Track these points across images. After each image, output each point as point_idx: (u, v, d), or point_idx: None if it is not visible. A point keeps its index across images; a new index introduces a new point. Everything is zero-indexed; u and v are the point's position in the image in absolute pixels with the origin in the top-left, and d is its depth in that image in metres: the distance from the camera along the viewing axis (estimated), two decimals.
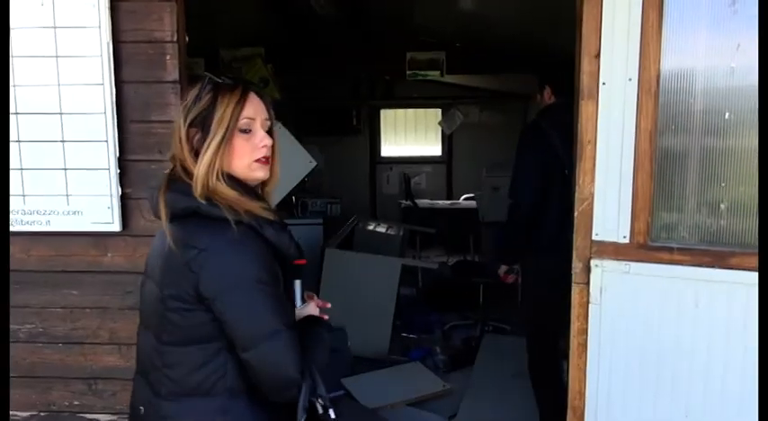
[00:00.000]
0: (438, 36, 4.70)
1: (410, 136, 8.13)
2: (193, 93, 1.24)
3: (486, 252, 6.07)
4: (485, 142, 7.90)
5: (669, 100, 1.57)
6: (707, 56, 1.54)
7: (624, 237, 1.64)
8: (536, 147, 2.63)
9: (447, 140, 7.94)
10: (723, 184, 1.54)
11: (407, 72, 4.79)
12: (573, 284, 1.68)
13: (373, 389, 3.46)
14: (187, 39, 1.88)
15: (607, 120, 1.61)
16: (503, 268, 2.95)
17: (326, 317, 1.42)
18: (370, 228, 5.00)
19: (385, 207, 7.99)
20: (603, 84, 1.61)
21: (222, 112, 1.20)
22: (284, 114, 8.10)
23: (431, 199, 7.40)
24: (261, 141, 1.27)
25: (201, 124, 1.22)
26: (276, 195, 4.26)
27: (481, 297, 4.55)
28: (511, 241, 2.87)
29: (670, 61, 1.54)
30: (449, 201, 7.08)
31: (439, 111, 7.89)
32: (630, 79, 1.58)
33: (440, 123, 7.72)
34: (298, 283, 1.38)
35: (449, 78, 7.10)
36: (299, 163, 4.39)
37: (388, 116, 8.03)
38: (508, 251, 2.95)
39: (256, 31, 5.25)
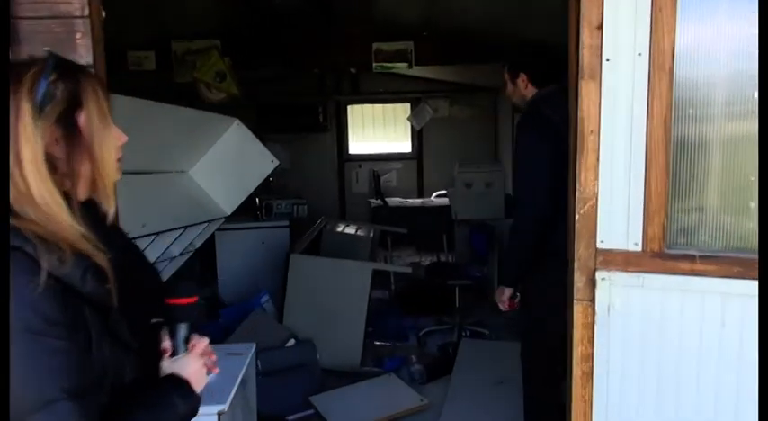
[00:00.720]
0: (404, 26, 4.43)
1: (379, 132, 7.84)
2: None
3: (461, 252, 5.83)
4: (456, 137, 7.67)
5: (686, 78, 1.30)
6: (732, 23, 1.28)
7: (635, 244, 1.37)
8: (542, 137, 2.20)
9: (417, 136, 7.67)
10: (752, 178, 1.28)
11: (374, 64, 4.49)
12: (574, 302, 1.40)
13: (344, 407, 3.18)
14: (104, 14, 1.53)
15: (612, 104, 1.34)
16: (506, 292, 2.37)
17: (212, 371, 1.10)
18: (339, 229, 4.70)
19: (354, 206, 7.68)
20: (607, 60, 1.33)
21: None
22: (244, 111, 7.76)
23: (402, 197, 7.12)
24: None
25: None
26: (238, 197, 3.92)
27: (457, 300, 4.29)
28: (522, 256, 2.29)
29: (687, 31, 1.28)
30: (420, 200, 6.82)
31: (408, 105, 7.62)
32: (640, 54, 1.31)
33: (409, 118, 7.46)
34: (182, 328, 1.06)
35: (417, 71, 6.84)
36: (261, 162, 4.07)
37: (355, 112, 7.73)
38: (520, 268, 2.33)
39: (212, 21, 4.89)
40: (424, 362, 3.79)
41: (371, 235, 4.75)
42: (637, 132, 1.33)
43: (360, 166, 7.71)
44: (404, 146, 7.76)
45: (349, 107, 7.66)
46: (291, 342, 3.55)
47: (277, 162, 4.02)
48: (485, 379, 3.48)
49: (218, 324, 4.06)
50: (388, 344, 4.22)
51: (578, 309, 1.40)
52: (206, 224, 3.83)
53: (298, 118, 7.41)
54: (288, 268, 3.63)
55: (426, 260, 7.20)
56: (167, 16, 4.34)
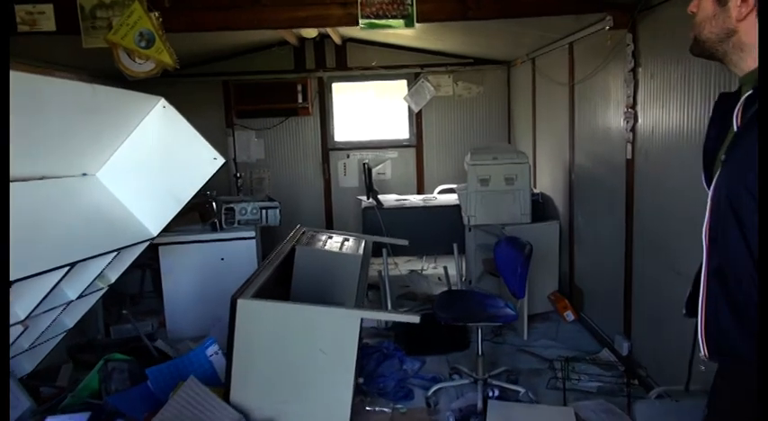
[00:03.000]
0: None
1: (370, 115, 6.59)
2: None
3: (477, 265, 4.64)
4: (462, 120, 6.46)
5: None
6: None
7: None
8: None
9: (415, 119, 6.44)
10: None
11: (360, 20, 3.25)
12: None
13: None
14: None
15: None
16: None
17: None
18: (319, 244, 3.49)
19: (343, 204, 6.48)
20: None
21: None
22: (207, 91, 6.51)
23: (399, 194, 5.91)
24: None
25: None
26: (168, 210, 2.69)
27: (480, 345, 3.10)
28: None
29: None
30: (421, 197, 5.60)
31: (404, 82, 6.39)
32: None
33: (405, 98, 6.22)
34: None
35: (415, 40, 5.61)
36: (199, 160, 2.85)
37: (341, 91, 6.48)
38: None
39: None
40: None
41: (361, 251, 3.55)
42: None
43: (348, 156, 6.49)
44: (400, 131, 6.53)
45: (334, 85, 6.42)
46: None
47: (221, 160, 2.80)
48: None
49: (145, 390, 2.86)
50: (386, 410, 3.05)
51: None
52: (115, 253, 2.61)
53: (272, 99, 6.16)
54: (234, 318, 2.43)
55: (429, 266, 6.02)
56: None
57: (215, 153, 2.76)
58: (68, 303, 2.67)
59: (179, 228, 4.28)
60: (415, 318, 2.45)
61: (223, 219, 4.32)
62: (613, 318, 3.63)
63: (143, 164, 2.79)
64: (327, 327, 2.49)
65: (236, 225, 4.36)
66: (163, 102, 2.75)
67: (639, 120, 3.21)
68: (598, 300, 4.02)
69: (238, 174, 5.29)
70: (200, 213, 4.48)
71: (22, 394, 2.87)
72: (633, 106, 3.26)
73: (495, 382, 3.11)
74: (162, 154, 2.80)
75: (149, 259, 4.46)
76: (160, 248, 4.17)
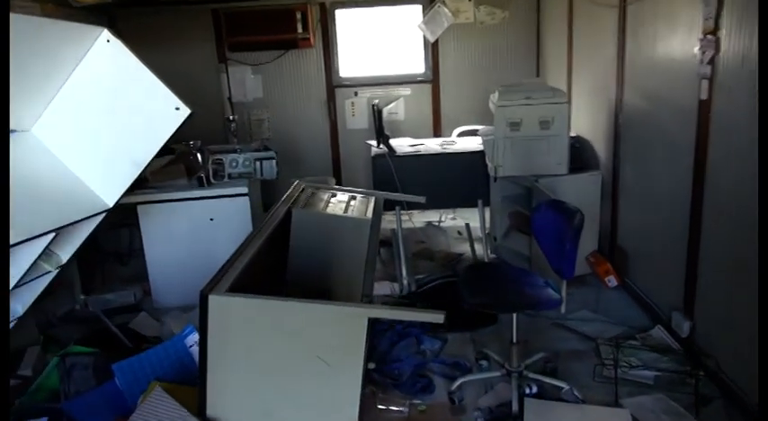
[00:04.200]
0: None
1: (379, 47, 5.83)
2: None
3: (503, 220, 4.06)
4: (484, 52, 5.68)
5: None
6: None
7: None
8: None
9: (431, 51, 5.68)
10: None
11: None
12: None
13: None
14: None
15: None
16: None
17: None
18: (320, 206, 2.91)
19: (350, 149, 5.85)
20: None
21: None
22: (195, 20, 5.74)
23: (413, 137, 5.26)
24: None
25: None
26: (125, 174, 2.09)
27: (514, 333, 2.56)
28: None
29: None
30: (439, 141, 4.94)
31: (419, 8, 5.58)
32: None
33: (420, 26, 5.44)
34: None
35: None
36: (159, 107, 2.22)
37: (346, 19, 5.69)
38: None
39: None
40: None
41: (370, 213, 2.97)
42: None
43: (355, 94, 5.79)
44: (414, 65, 5.78)
45: (338, 12, 5.64)
46: None
47: (185, 111, 2.17)
48: None
49: (112, 389, 2.38)
50: (403, 410, 2.55)
51: None
52: (53, 233, 2.05)
53: (269, 29, 5.41)
54: (206, 318, 1.89)
55: (447, 218, 5.45)
56: None
57: (177, 101, 2.13)
58: None
59: (160, 184, 3.72)
60: (439, 317, 1.89)
61: (210, 173, 3.74)
62: (669, 290, 3.06)
63: (87, 117, 2.17)
64: (326, 329, 1.94)
65: (226, 179, 3.78)
66: (106, 34, 2.11)
67: (722, 50, 2.51)
68: (648, 264, 3.44)
69: (231, 117, 4.64)
70: (185, 166, 3.89)
71: None
72: (714, 31, 2.54)
73: (531, 376, 2.59)
74: (111, 104, 2.18)
75: (130, 219, 3.92)
76: (139, 208, 3.63)
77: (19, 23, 1.90)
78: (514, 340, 2.57)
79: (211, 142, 4.42)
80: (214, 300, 1.89)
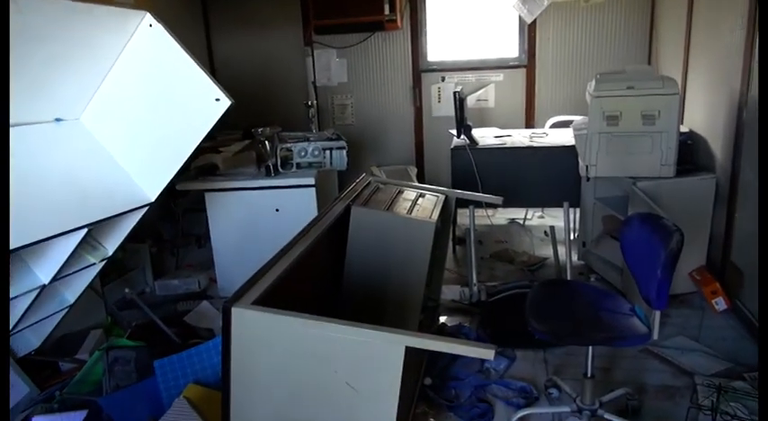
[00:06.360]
0: None
1: (470, 30, 5.44)
2: None
3: (596, 224, 3.62)
4: (588, 35, 5.14)
5: None
6: None
7: None
8: None
9: (527, 33, 5.23)
10: None
11: None
12: None
13: None
14: None
15: None
16: None
17: None
18: (381, 205, 2.68)
19: (436, 137, 5.54)
20: None
21: None
22: (269, 5, 5.63)
23: (502, 127, 4.87)
24: None
25: None
26: (168, 168, 1.98)
27: (589, 365, 2.20)
28: None
29: None
30: (528, 133, 4.52)
31: None
32: None
33: (516, 6, 5.00)
34: None
35: None
36: (203, 100, 2.07)
37: (436, 0, 5.36)
38: None
39: None
40: None
41: (436, 214, 2.68)
42: None
43: (443, 79, 5.46)
44: (507, 49, 5.35)
45: None
46: None
47: (226, 101, 2.00)
48: None
49: (151, 386, 2.31)
50: None
51: None
52: (85, 228, 1.97)
53: (355, 11, 5.20)
54: (228, 333, 1.72)
55: (534, 216, 5.03)
56: None
57: (218, 92, 1.96)
58: (41, 287, 2.09)
59: (229, 172, 3.64)
60: (489, 353, 1.59)
61: (279, 162, 3.61)
62: None
63: (131, 106, 2.07)
64: (357, 355, 1.71)
65: (294, 169, 3.64)
66: (149, 18, 1.97)
67: None
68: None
69: (310, 103, 4.50)
70: (257, 153, 3.80)
71: (19, 378, 2.44)
72: None
73: (607, 416, 2.22)
74: (153, 93, 2.05)
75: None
76: (207, 195, 3.57)
77: (59, 9, 1.80)
78: (589, 374, 2.21)
79: (293, 127, 4.32)
80: (238, 313, 1.72)
